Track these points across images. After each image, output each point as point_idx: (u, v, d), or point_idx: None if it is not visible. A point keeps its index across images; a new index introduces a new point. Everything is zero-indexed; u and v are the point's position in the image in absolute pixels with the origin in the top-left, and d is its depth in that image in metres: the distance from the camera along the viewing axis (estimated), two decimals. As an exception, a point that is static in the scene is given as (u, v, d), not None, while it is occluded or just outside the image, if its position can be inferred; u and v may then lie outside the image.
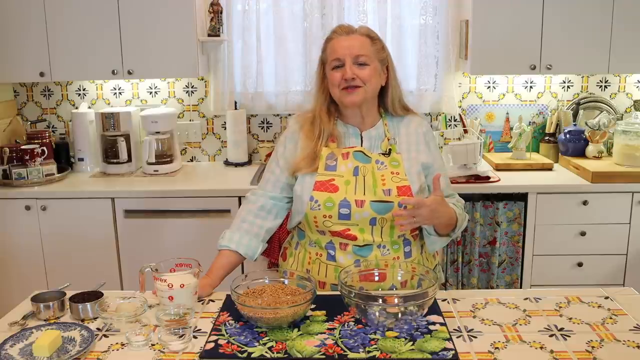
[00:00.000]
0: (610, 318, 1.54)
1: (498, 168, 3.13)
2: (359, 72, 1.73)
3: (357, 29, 1.79)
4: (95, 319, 1.57)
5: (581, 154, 3.18)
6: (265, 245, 1.88)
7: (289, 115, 3.39)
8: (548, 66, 3.04)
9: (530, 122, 3.42)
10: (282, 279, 1.64)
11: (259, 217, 1.85)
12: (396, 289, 1.68)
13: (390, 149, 1.80)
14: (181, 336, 1.41)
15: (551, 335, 1.45)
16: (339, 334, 1.46)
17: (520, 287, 2.97)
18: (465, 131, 3.18)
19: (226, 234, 1.84)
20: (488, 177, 2.94)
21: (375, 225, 1.74)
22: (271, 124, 3.48)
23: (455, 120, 3.40)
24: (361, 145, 1.82)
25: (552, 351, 1.37)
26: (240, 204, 2.77)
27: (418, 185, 1.77)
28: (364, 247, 1.76)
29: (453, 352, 1.37)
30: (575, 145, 3.19)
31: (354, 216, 1.73)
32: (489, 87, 3.42)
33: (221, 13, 3.20)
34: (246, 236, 1.83)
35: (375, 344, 1.40)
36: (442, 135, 3.24)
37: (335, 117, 1.84)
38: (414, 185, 1.76)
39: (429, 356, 1.35)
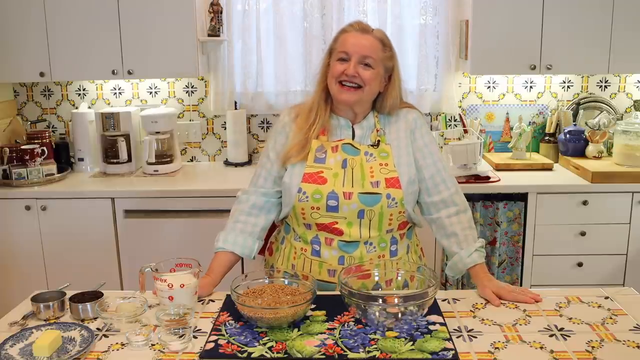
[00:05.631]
0: (610, 318, 1.54)
1: (498, 168, 3.13)
2: (361, 72, 1.72)
3: (373, 30, 1.77)
4: (95, 319, 1.57)
5: (581, 154, 3.18)
6: (261, 242, 1.87)
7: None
8: (548, 66, 3.04)
9: (530, 122, 3.42)
10: (282, 279, 1.64)
11: (251, 215, 1.84)
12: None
13: (379, 140, 1.79)
14: (181, 336, 1.41)
15: (551, 335, 1.45)
16: (339, 334, 1.46)
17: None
18: (465, 131, 3.18)
19: (220, 236, 1.82)
20: (488, 177, 2.94)
21: (364, 219, 1.73)
22: (271, 124, 3.47)
23: (455, 120, 3.40)
24: (352, 136, 1.81)
25: (552, 351, 1.37)
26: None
27: (407, 177, 1.76)
28: (350, 244, 1.75)
29: (453, 352, 1.37)
30: (575, 145, 3.19)
31: (342, 208, 1.72)
32: (489, 87, 3.42)
33: (221, 13, 3.20)
34: (241, 235, 1.81)
35: (375, 344, 1.40)
36: (442, 135, 3.24)
37: (330, 109, 1.82)
38: (403, 176, 1.75)
39: (429, 356, 1.35)
